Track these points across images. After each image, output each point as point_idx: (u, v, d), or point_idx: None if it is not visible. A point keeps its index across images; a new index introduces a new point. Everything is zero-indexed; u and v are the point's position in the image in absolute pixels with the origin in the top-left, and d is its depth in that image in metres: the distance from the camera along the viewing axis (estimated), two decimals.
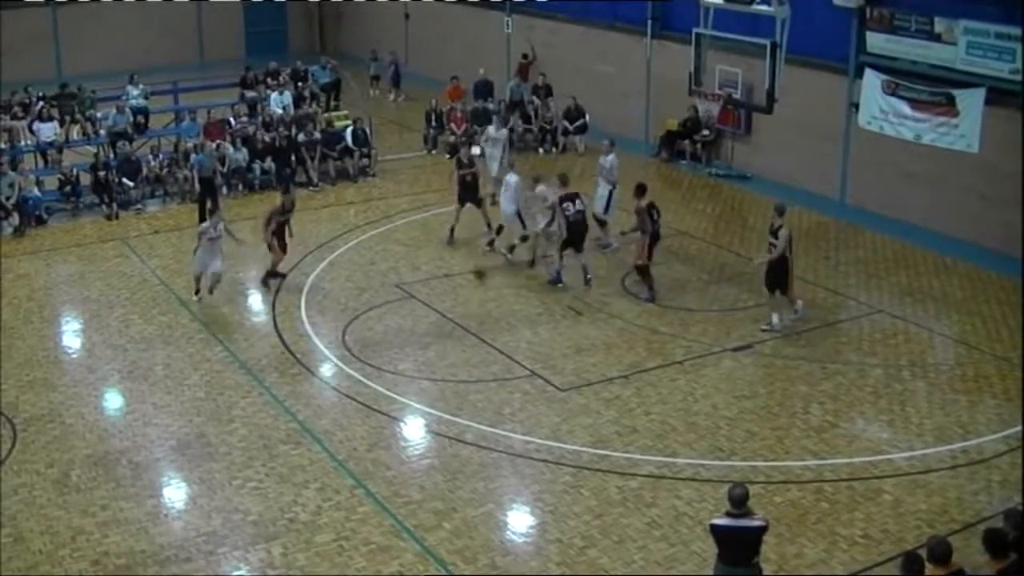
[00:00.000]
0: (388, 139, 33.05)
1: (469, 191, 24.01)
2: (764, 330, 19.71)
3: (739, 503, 11.23)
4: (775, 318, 19.78)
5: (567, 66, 34.20)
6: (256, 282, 22.06)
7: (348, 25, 47.39)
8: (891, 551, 13.32)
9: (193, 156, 26.79)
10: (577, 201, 21.68)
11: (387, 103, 38.30)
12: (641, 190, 21.32)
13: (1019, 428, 16.22)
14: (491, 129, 27.35)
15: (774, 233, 19.44)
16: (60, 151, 28.52)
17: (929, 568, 10.32)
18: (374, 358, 18.79)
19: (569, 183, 22.35)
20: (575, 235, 21.53)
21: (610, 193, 23.94)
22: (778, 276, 19.59)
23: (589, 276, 21.72)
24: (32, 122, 29.65)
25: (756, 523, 11.32)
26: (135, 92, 31.83)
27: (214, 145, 27.62)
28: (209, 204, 25.00)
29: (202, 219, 23.98)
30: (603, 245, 23.75)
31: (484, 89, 34.07)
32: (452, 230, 24.06)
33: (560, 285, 21.63)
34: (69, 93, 31.61)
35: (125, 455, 15.79)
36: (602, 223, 23.89)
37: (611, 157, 24.13)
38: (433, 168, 30.58)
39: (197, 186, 26.26)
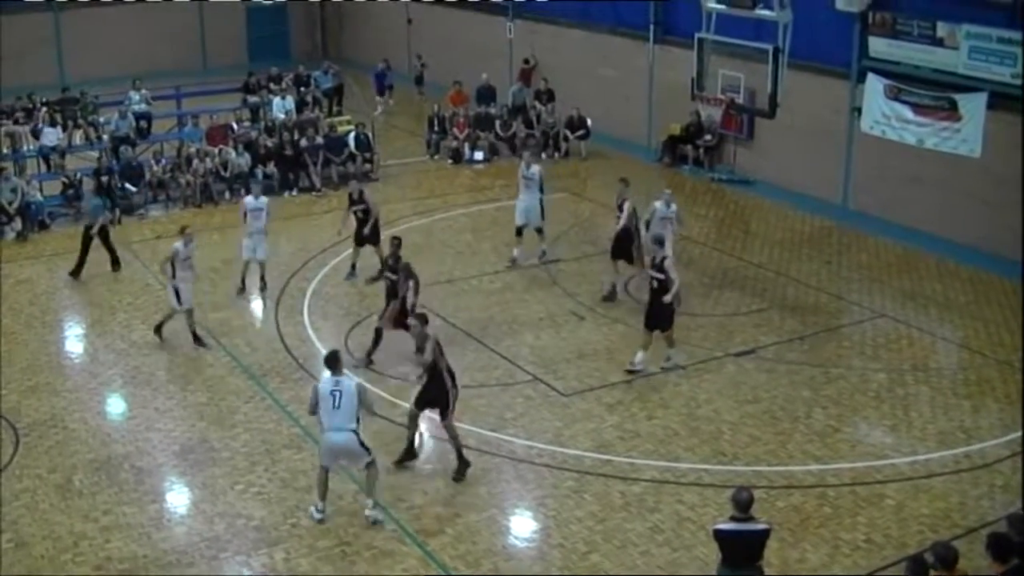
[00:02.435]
0: (390, 144, 33.04)
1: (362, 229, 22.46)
2: (627, 371, 18.34)
3: (745, 507, 11.17)
4: (639, 355, 18.30)
5: (570, 71, 34.21)
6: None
7: (351, 30, 47.41)
8: (894, 556, 13.32)
9: (89, 201, 25.06)
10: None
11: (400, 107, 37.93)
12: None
13: (1021, 433, 16.20)
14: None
15: (658, 267, 17.99)
16: (63, 156, 28.55)
17: (935, 572, 10.32)
18: (376, 363, 18.78)
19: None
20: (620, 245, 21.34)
21: (540, 202, 23.25)
22: (661, 314, 18.10)
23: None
24: (35, 127, 29.71)
25: (760, 527, 11.29)
26: (137, 97, 31.86)
27: (97, 195, 25.62)
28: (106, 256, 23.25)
29: (78, 270, 22.78)
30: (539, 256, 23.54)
31: (487, 94, 34.06)
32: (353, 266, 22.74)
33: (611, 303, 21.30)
34: (72, 98, 31.67)
35: (127, 460, 15.80)
36: (539, 230, 23.50)
37: (537, 168, 23.37)
38: (436, 173, 30.61)
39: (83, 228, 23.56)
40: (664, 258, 17.99)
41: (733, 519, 11.25)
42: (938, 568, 10.34)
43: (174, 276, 19.22)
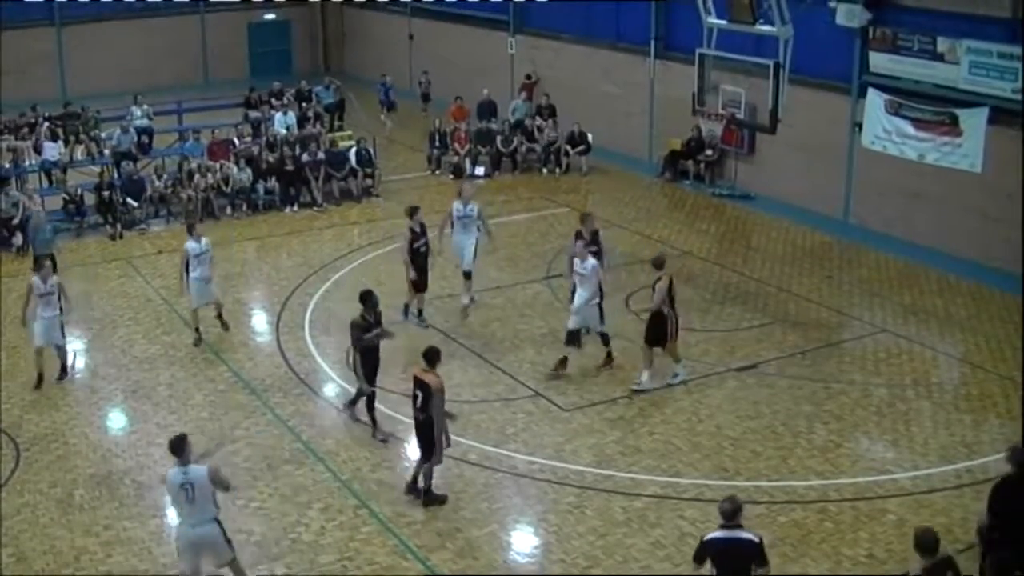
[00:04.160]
0: (392, 159, 33.07)
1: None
2: (633, 389, 18.19)
3: (730, 516, 11.16)
4: (645, 375, 18.24)
5: (571, 86, 34.26)
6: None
7: (352, 46, 47.53)
8: (895, 571, 13.25)
9: (39, 230, 23.87)
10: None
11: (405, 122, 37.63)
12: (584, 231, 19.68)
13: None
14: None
15: (652, 286, 18.12)
16: (64, 171, 28.58)
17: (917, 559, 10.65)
18: (379, 379, 18.73)
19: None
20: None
21: (476, 242, 21.54)
22: (657, 330, 18.10)
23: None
24: (36, 142, 29.75)
25: (749, 536, 11.19)
26: (139, 112, 31.94)
27: (43, 215, 24.73)
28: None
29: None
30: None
31: (488, 109, 34.11)
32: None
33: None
34: (73, 113, 31.75)
35: (128, 475, 15.80)
36: (468, 274, 21.63)
37: (475, 205, 21.65)
38: (437, 188, 30.61)
39: (32, 252, 23.37)
40: (658, 279, 17.87)
41: (722, 528, 11.22)
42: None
43: (188, 274, 20.01)
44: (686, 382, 18.42)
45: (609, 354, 19.13)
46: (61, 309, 19.02)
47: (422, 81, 38.36)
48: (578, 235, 19.52)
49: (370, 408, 17.00)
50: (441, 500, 15.03)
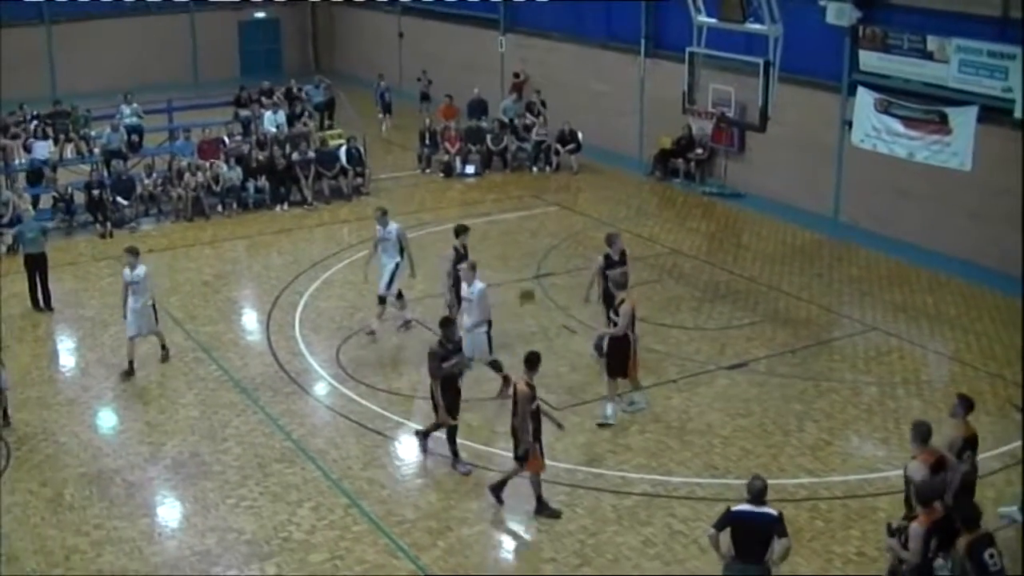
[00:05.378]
0: (382, 158, 33.05)
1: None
2: (600, 424, 17.10)
3: (759, 494, 11.46)
4: (610, 409, 17.23)
5: (561, 84, 34.29)
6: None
7: (342, 44, 47.49)
8: (886, 569, 13.29)
9: (19, 226, 23.88)
10: None
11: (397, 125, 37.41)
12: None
13: (1013, 445, 16.19)
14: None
15: (614, 310, 17.18)
16: (54, 169, 28.52)
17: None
18: (368, 377, 18.78)
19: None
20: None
21: (396, 266, 20.27)
22: (620, 357, 17.12)
23: None
24: (26, 140, 29.67)
25: (772, 512, 11.51)
26: (129, 111, 31.91)
27: (32, 213, 24.74)
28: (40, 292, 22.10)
29: (34, 302, 21.95)
30: (369, 330, 20.61)
31: (478, 108, 34.10)
32: None
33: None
34: (63, 111, 31.68)
35: (119, 474, 15.77)
36: (381, 299, 20.49)
37: (395, 227, 20.38)
38: (427, 187, 30.63)
39: (21, 259, 22.89)
40: (621, 301, 16.92)
41: (749, 503, 11.53)
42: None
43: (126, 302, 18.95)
44: (643, 410, 17.67)
45: (505, 378, 17.64)
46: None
47: (421, 79, 38.18)
48: (607, 257, 18.61)
49: (451, 440, 15.86)
50: (554, 514, 14.65)
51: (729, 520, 11.53)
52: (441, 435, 16.03)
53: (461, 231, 19.70)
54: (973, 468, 13.21)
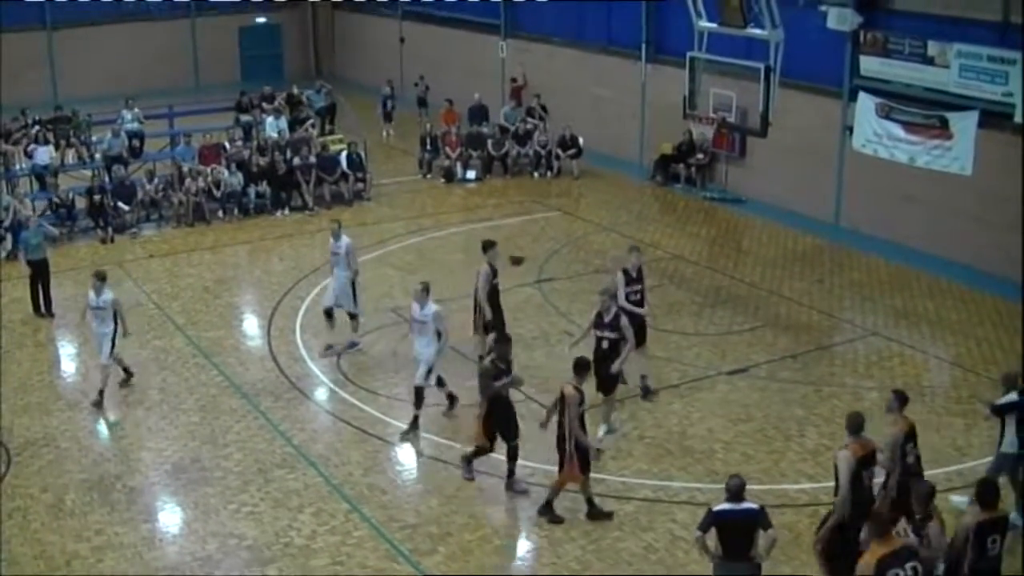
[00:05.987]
0: (383, 163, 33.06)
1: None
2: (597, 449, 16.17)
3: (737, 493, 11.50)
4: (602, 431, 16.81)
5: (562, 89, 34.28)
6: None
7: (343, 49, 47.52)
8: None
9: (23, 233, 23.39)
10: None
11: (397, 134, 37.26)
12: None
13: (1014, 450, 16.17)
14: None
15: (610, 325, 16.53)
16: (55, 175, 28.52)
17: (976, 510, 11.31)
18: (369, 382, 18.78)
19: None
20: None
21: (353, 283, 20.03)
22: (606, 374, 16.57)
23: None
24: (27, 146, 29.68)
25: (753, 505, 11.56)
26: (130, 116, 31.87)
27: (36, 220, 24.01)
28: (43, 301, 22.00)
29: (35, 308, 21.89)
30: (341, 348, 20.11)
31: (479, 113, 34.11)
32: None
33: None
34: (64, 117, 31.65)
35: (120, 480, 15.77)
36: (352, 316, 20.20)
37: (345, 240, 20.10)
38: (428, 192, 30.65)
39: (25, 267, 22.60)
40: (618, 314, 16.44)
41: (728, 502, 11.57)
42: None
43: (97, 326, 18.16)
44: (613, 431, 17.04)
45: (450, 395, 17.62)
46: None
47: (418, 84, 38.21)
48: (625, 272, 17.95)
49: (510, 458, 15.40)
50: (556, 519, 14.66)
51: (712, 520, 11.56)
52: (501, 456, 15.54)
53: (488, 246, 18.95)
54: (916, 459, 13.40)
